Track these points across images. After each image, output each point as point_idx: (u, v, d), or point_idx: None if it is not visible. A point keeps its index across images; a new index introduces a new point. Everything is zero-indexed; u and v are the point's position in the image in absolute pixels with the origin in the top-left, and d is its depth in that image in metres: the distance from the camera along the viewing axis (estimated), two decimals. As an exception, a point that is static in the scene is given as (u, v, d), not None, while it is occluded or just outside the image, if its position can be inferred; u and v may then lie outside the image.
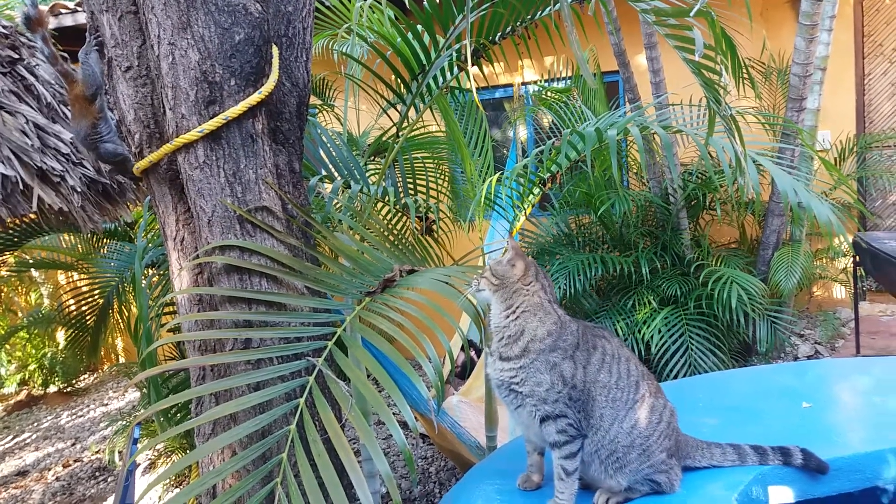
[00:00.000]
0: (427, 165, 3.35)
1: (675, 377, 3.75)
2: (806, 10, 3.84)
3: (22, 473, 4.77)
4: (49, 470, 4.73)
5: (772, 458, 1.43)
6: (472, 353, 4.68)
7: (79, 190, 2.83)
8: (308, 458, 1.27)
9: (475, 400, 3.81)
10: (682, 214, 4.37)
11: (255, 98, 1.66)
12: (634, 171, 5.07)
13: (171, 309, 2.46)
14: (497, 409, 2.61)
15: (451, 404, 3.58)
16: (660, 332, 3.87)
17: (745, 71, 2.15)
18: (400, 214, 2.78)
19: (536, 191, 2.44)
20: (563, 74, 5.36)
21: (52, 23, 1.80)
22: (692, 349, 3.86)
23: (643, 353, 3.91)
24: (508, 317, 1.35)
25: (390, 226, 2.62)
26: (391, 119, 2.99)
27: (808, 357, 4.23)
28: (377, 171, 3.17)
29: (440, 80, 2.76)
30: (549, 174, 2.39)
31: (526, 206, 2.50)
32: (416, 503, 3.28)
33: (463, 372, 4.60)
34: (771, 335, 4.05)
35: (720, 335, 3.98)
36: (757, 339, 4.05)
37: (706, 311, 3.96)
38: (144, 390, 3.67)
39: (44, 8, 1.91)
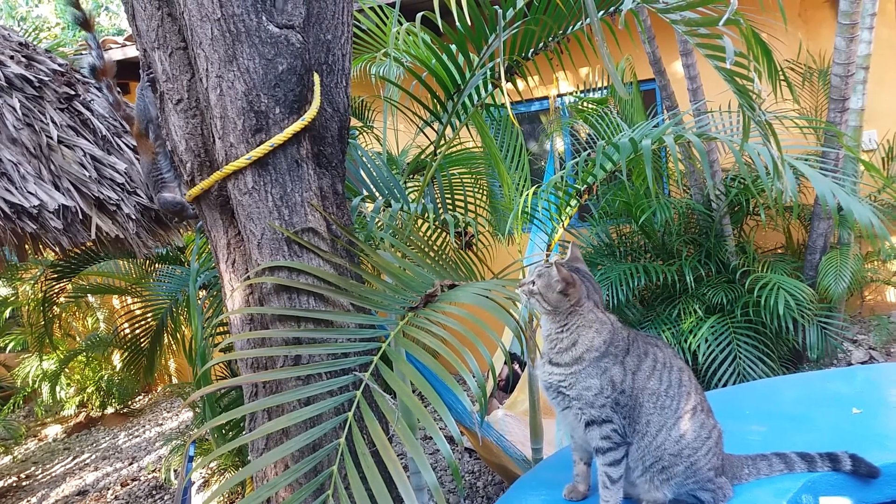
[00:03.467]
0: (465, 181, 3.39)
1: (724, 386, 3.69)
2: (845, 10, 3.78)
3: (82, 493, 4.94)
4: (108, 489, 4.89)
5: (820, 465, 1.41)
6: (516, 367, 4.68)
7: (133, 217, 2.96)
8: (358, 471, 1.32)
9: (520, 413, 3.82)
10: (726, 221, 4.31)
11: (299, 125, 1.73)
12: (675, 178, 5.02)
13: (223, 329, 2.55)
14: (542, 422, 2.62)
15: (496, 418, 3.59)
16: (707, 340, 3.82)
17: (782, 74, 2.14)
18: (440, 231, 2.82)
19: (574, 202, 2.46)
20: (600, 85, 5.36)
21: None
22: (740, 357, 3.79)
23: (690, 362, 3.86)
24: (561, 332, 1.37)
25: (431, 242, 2.66)
26: (428, 138, 3.05)
27: (862, 363, 4.11)
28: (416, 188, 3.23)
29: (475, 97, 2.81)
30: (585, 185, 2.40)
31: (564, 218, 2.52)
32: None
33: (507, 385, 4.61)
34: (822, 341, 3.95)
35: (769, 343, 3.90)
36: (807, 346, 3.96)
37: (754, 318, 3.90)
38: (198, 409, 3.78)
39: (109, 57, 2.03)
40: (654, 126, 2.58)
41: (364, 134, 4.54)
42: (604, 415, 1.32)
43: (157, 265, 4.47)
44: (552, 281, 1.36)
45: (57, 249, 2.68)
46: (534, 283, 1.42)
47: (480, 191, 3.52)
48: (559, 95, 5.90)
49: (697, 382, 1.40)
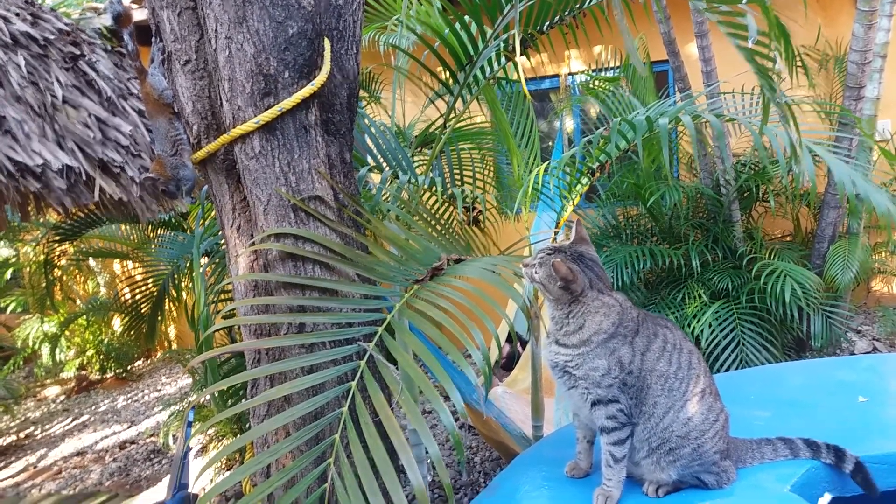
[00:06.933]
0: (473, 156, 3.36)
1: (726, 372, 3.68)
2: (865, -4, 3.71)
3: (81, 454, 4.98)
4: (107, 452, 4.92)
5: (825, 455, 1.39)
6: (518, 345, 4.68)
7: (137, 181, 2.93)
8: (360, 440, 1.31)
9: (520, 391, 3.82)
10: (735, 206, 4.28)
11: (308, 90, 1.70)
12: (684, 161, 4.98)
13: (227, 296, 2.53)
14: (543, 400, 2.61)
15: (496, 395, 3.59)
16: (710, 326, 3.80)
17: (799, 59, 2.10)
18: (446, 205, 2.80)
19: (584, 181, 2.42)
20: (611, 64, 5.29)
21: (108, 20, 1.92)
22: (744, 344, 3.78)
23: (692, 347, 3.84)
24: (567, 316, 1.34)
25: (437, 215, 2.64)
26: (438, 110, 3.01)
27: (866, 353, 4.10)
28: (424, 162, 3.20)
29: (487, 70, 2.77)
30: (597, 164, 2.37)
31: (573, 197, 2.49)
32: (461, 491, 3.30)
33: (508, 363, 4.61)
34: (826, 330, 3.94)
35: (773, 330, 3.89)
36: (811, 335, 3.95)
37: (759, 305, 3.88)
38: (197, 376, 3.78)
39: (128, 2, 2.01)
40: (670, 106, 2.54)
41: (371, 105, 4.49)
42: (610, 395, 1.30)
43: (158, 231, 4.45)
44: (553, 273, 1.32)
45: (60, 210, 2.66)
46: (536, 270, 1.37)
47: (487, 167, 3.48)
48: (570, 74, 5.83)
49: (706, 365, 1.38)
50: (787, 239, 4.82)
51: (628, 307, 1.36)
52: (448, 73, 2.74)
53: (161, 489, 3.99)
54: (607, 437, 1.31)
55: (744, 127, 4.44)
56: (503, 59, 2.77)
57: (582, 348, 1.31)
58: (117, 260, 6.43)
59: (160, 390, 6.23)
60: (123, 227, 4.76)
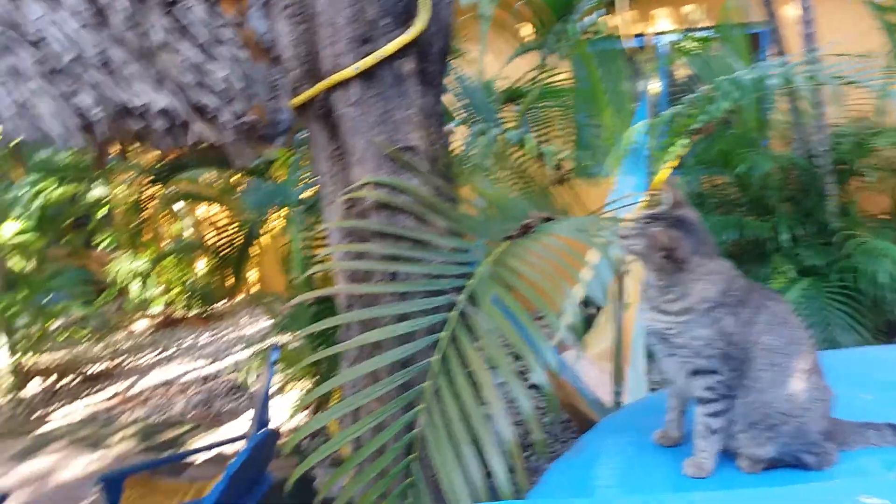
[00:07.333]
0: (558, 115, 3.28)
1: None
2: None
3: (166, 385, 5.28)
4: (190, 384, 5.20)
5: (936, 445, 1.31)
6: (592, 308, 4.61)
7: (232, 125, 2.99)
8: (449, 389, 1.32)
9: (594, 356, 3.78)
10: (830, 179, 4.03)
11: (406, 37, 1.68)
12: (776, 129, 4.71)
13: (317, 242, 2.58)
14: (623, 368, 2.58)
15: (570, 358, 3.57)
16: (797, 303, 3.64)
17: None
18: (532, 161, 2.75)
19: (685, 142, 2.32)
20: (701, 25, 5.03)
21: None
22: (832, 324, 3.60)
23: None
24: (669, 284, 1.27)
25: (523, 171, 2.60)
26: (522, 67, 2.93)
27: (967, 342, 3.85)
28: (508, 119, 3.14)
29: (580, 24, 2.68)
30: (699, 125, 2.27)
31: (669, 160, 2.39)
32: (529, 449, 3.32)
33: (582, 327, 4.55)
34: (923, 316, 3.71)
35: (864, 312, 3.69)
36: (907, 319, 3.73)
37: (850, 284, 3.67)
38: (279, 318, 3.91)
39: None
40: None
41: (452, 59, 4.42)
42: (711, 365, 1.25)
43: (245, 177, 4.56)
44: (653, 243, 1.25)
45: (159, 150, 2.75)
46: (635, 242, 1.30)
47: (574, 126, 3.39)
48: (657, 34, 5.58)
49: (813, 342, 1.31)
50: (885, 217, 4.53)
51: (735, 275, 1.30)
52: (541, 25, 2.66)
53: (240, 423, 4.19)
54: (704, 409, 1.27)
55: (845, 94, 4.16)
56: (600, 12, 2.67)
57: (684, 316, 1.26)
58: (203, 203, 6.66)
59: (241, 331, 6.50)
60: (208, 172, 4.91)
